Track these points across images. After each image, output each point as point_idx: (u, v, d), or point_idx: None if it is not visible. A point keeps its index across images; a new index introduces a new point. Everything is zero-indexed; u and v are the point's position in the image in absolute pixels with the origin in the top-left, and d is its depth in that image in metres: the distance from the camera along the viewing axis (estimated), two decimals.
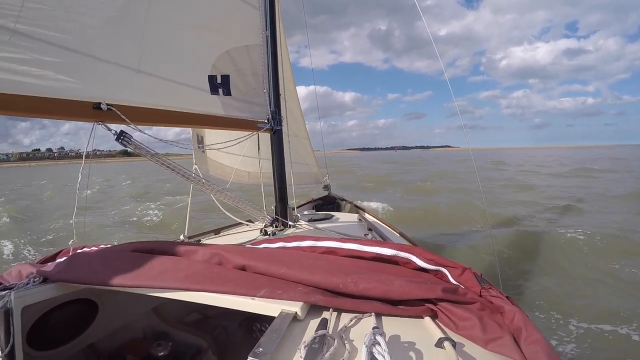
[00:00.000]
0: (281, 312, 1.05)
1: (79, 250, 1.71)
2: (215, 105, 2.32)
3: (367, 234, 2.62)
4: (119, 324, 2.05)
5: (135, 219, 11.31)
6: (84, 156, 1.75)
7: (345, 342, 0.91)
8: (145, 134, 1.89)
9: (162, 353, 2.17)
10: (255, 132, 2.55)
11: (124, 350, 2.08)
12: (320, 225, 2.89)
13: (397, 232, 3.20)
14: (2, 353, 1.17)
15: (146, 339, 2.24)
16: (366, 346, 0.83)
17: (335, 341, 0.89)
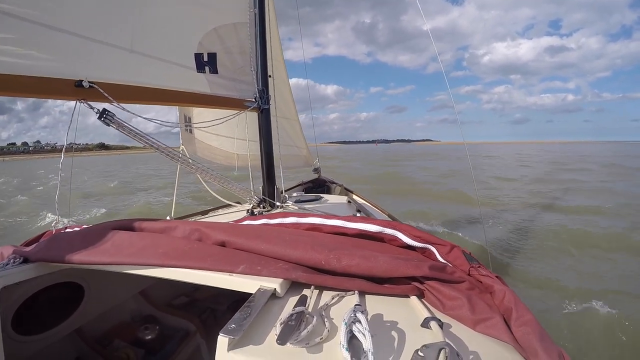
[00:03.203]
0: (259, 289, 1.01)
1: (61, 232, 1.68)
2: (201, 83, 2.28)
3: (355, 215, 2.61)
4: (106, 308, 2.03)
5: None
6: (66, 135, 1.72)
7: (325, 320, 0.87)
8: (127, 111, 1.85)
9: (149, 336, 2.16)
10: (242, 111, 2.51)
11: (111, 334, 2.06)
12: (308, 206, 2.87)
13: (386, 214, 3.20)
14: None
15: (134, 322, 2.23)
16: (346, 324, 0.79)
17: (315, 319, 0.84)
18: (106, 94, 1.69)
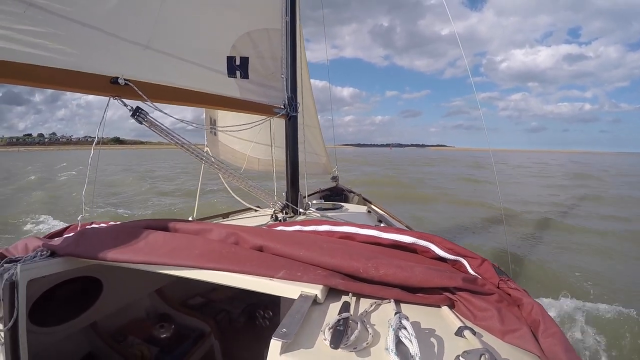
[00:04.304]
0: (301, 294, 1.03)
1: (87, 226, 1.68)
2: (232, 87, 2.29)
3: (378, 225, 2.58)
4: (122, 304, 2.04)
5: None
6: (97, 132, 1.74)
7: (368, 326, 0.90)
8: (164, 113, 1.87)
9: (164, 335, 2.16)
10: (270, 117, 2.52)
11: (126, 330, 2.07)
12: (330, 214, 2.87)
13: (404, 225, 3.17)
14: (4, 327, 1.15)
15: (149, 320, 2.24)
16: (393, 330, 0.82)
17: (359, 325, 0.87)
18: (140, 92, 1.70)
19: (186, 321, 2.29)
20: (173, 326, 2.22)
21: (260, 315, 2.44)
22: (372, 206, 3.72)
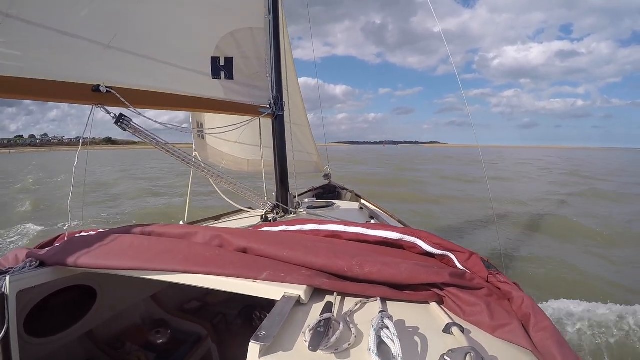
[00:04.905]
0: (284, 296, 1.01)
1: (76, 235, 1.68)
2: (216, 89, 2.28)
3: (369, 222, 2.58)
4: (117, 311, 2.03)
5: None
6: (80, 141, 1.73)
7: (351, 326, 0.88)
8: (145, 117, 1.85)
9: (161, 340, 2.15)
10: (256, 117, 2.50)
11: (122, 337, 2.06)
12: (321, 212, 2.87)
13: (396, 220, 3.18)
14: None
15: (145, 326, 2.23)
16: (374, 330, 0.80)
17: (341, 325, 0.86)
18: (123, 99, 1.68)
19: (182, 326, 2.29)
20: (169, 331, 2.22)
21: (257, 317, 2.44)
22: (365, 202, 3.71)
